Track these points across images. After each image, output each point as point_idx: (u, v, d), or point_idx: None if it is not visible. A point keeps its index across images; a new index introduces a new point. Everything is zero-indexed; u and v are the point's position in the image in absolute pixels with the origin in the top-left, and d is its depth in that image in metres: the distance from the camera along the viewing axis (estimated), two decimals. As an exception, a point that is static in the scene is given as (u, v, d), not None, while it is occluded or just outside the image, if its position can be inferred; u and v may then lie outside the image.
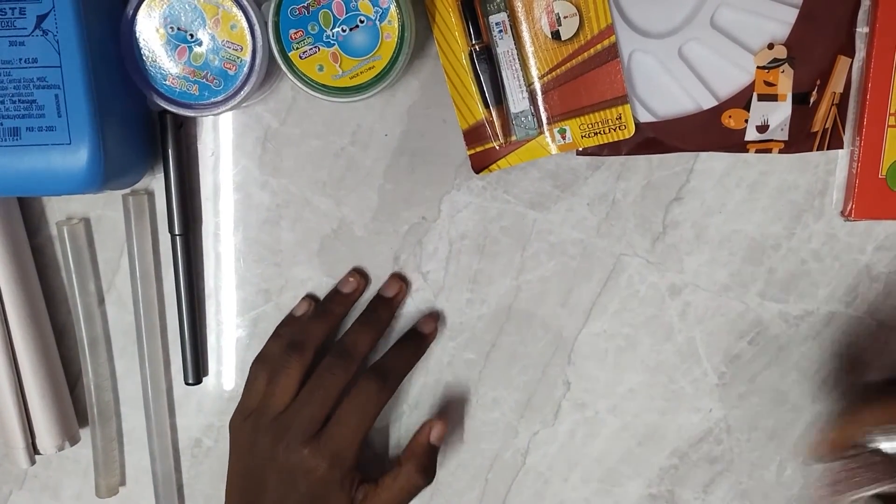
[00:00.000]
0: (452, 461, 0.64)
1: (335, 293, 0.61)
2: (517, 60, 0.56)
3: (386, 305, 0.60)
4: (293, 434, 0.55)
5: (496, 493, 0.64)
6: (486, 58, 0.56)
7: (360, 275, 0.61)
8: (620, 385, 0.62)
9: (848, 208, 0.58)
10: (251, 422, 0.57)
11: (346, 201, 0.60)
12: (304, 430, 0.55)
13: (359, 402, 0.56)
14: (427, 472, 0.58)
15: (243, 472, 0.57)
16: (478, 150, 0.58)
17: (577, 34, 0.55)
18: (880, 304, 0.60)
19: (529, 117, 0.57)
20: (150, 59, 0.52)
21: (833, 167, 0.59)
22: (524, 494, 0.64)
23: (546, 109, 0.57)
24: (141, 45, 0.52)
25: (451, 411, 0.63)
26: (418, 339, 0.60)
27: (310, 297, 0.61)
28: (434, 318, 0.61)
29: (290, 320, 0.61)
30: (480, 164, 0.58)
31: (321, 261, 0.61)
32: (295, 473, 0.55)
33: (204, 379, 0.62)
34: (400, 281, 0.60)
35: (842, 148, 0.58)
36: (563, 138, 0.57)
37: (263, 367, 0.58)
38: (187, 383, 0.61)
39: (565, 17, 0.55)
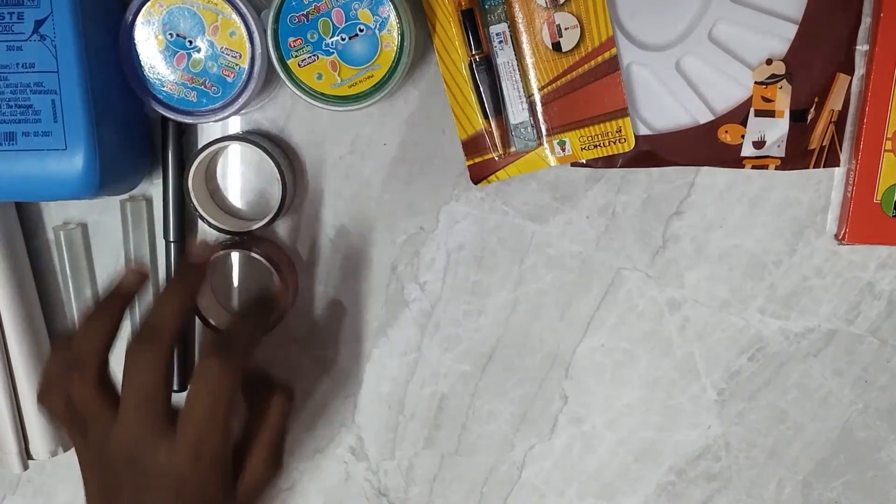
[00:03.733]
0: (448, 474, 0.63)
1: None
2: (517, 71, 0.56)
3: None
4: (137, 439, 0.46)
5: (491, 507, 0.64)
6: (485, 68, 0.55)
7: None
8: (618, 400, 0.61)
9: (842, 232, 0.57)
10: (91, 447, 0.49)
11: (344, 210, 0.60)
12: (147, 428, 0.46)
13: (204, 385, 0.47)
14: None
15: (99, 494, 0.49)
16: (477, 160, 0.57)
17: (577, 46, 0.55)
18: (882, 322, 0.60)
19: (529, 129, 0.56)
20: (148, 66, 0.52)
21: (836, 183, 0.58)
22: (519, 508, 0.64)
23: (546, 121, 0.56)
24: (139, 51, 0.52)
25: (446, 424, 0.62)
26: (266, 302, 0.53)
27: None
28: (288, 279, 0.53)
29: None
30: (479, 174, 0.58)
31: (318, 269, 0.61)
32: (161, 479, 0.46)
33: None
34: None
35: (838, 166, 0.57)
36: (563, 150, 0.57)
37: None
38: (174, 390, 0.61)
39: (566, 29, 0.55)
